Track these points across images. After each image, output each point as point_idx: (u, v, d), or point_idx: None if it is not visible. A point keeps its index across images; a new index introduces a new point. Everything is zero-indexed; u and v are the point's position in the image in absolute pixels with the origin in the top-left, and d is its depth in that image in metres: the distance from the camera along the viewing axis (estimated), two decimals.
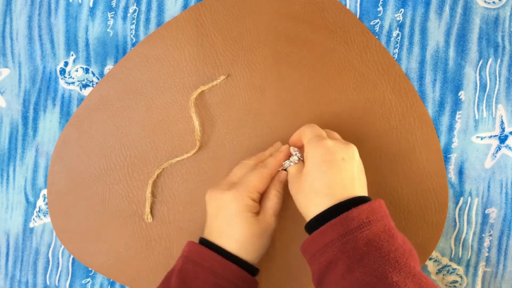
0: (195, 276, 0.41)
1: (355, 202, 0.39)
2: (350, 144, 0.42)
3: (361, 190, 0.41)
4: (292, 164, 0.45)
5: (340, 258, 0.37)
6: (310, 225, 0.40)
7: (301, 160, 0.45)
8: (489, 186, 0.52)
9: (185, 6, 0.53)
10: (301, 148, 0.46)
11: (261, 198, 0.45)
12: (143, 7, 0.53)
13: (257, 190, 0.43)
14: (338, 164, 0.40)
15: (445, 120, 0.52)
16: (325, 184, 0.39)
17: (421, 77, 0.52)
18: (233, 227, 0.42)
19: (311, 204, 0.40)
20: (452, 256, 0.52)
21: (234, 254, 0.42)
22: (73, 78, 0.54)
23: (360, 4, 0.52)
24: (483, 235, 0.52)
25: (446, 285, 0.53)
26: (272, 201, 0.44)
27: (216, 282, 0.40)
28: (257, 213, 0.44)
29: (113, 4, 0.53)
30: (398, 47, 0.52)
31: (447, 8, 0.52)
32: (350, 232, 0.37)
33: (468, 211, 0.52)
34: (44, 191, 0.54)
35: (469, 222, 0.52)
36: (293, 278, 0.51)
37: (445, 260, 0.52)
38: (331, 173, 0.40)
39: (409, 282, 0.34)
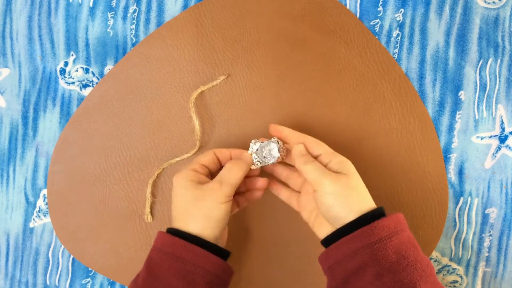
0: (160, 264, 0.40)
1: (378, 214, 0.40)
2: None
3: (371, 200, 0.42)
4: (278, 148, 0.44)
5: (370, 265, 0.37)
6: (335, 234, 0.41)
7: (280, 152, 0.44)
8: (489, 186, 0.52)
9: (185, 6, 0.53)
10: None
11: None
12: (143, 7, 0.53)
13: (198, 161, 0.44)
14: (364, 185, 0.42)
15: (445, 120, 0.52)
16: (363, 196, 0.41)
17: (421, 77, 0.52)
18: (174, 200, 0.43)
19: (344, 211, 0.40)
20: (452, 256, 0.52)
21: (196, 235, 0.41)
22: (73, 78, 0.54)
23: (360, 4, 0.52)
24: (483, 235, 0.52)
25: (446, 285, 0.53)
26: (222, 171, 0.43)
27: (181, 268, 0.40)
28: (202, 182, 0.43)
29: (113, 4, 0.53)
30: (398, 47, 0.52)
31: (447, 8, 0.52)
32: (381, 240, 0.38)
33: (468, 211, 0.52)
34: (44, 191, 0.54)
35: (469, 222, 0.52)
36: (293, 278, 0.51)
37: (445, 260, 0.52)
38: (365, 192, 0.42)
39: None
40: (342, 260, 0.39)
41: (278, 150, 0.44)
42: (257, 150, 0.45)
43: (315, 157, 0.43)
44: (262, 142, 0.45)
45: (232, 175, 0.43)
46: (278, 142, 0.45)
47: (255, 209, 0.51)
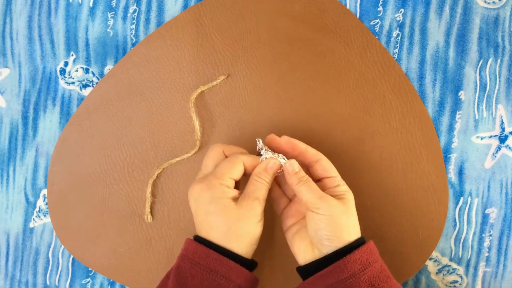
0: (192, 275, 0.40)
1: (357, 244, 0.40)
2: None
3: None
4: (284, 161, 0.43)
5: None
6: (307, 268, 0.41)
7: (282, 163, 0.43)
8: (489, 186, 0.52)
9: (185, 6, 0.53)
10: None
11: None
12: (143, 7, 0.53)
13: (229, 176, 0.42)
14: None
15: (445, 120, 0.52)
16: (353, 226, 0.41)
17: (421, 77, 0.52)
18: (211, 216, 0.41)
19: (333, 238, 0.40)
20: (452, 256, 0.52)
21: (228, 250, 0.40)
22: (73, 78, 0.54)
23: (360, 4, 0.52)
24: (483, 235, 0.52)
25: (446, 285, 0.53)
26: (253, 185, 0.42)
27: (214, 280, 0.39)
28: (236, 198, 0.42)
29: (113, 4, 0.53)
30: (398, 47, 0.52)
31: (447, 8, 0.52)
32: (353, 275, 0.38)
33: (468, 211, 0.52)
34: (44, 191, 0.54)
35: (469, 222, 0.52)
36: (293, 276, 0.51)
37: (445, 260, 0.52)
38: (356, 216, 0.42)
39: None
40: None
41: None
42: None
43: (323, 178, 0.43)
44: (273, 153, 0.43)
45: (265, 189, 0.42)
46: (284, 159, 0.43)
47: None
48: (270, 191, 0.44)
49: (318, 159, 0.43)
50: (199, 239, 0.42)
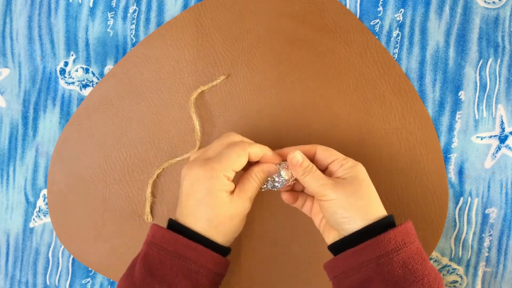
0: (160, 261, 0.39)
1: (387, 223, 0.39)
2: None
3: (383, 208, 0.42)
4: (283, 180, 0.44)
5: (375, 279, 0.37)
6: (342, 242, 0.40)
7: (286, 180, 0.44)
8: (489, 186, 0.52)
9: (185, 6, 0.53)
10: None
11: (240, 178, 0.43)
12: (143, 7, 0.53)
13: (233, 168, 0.41)
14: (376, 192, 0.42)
15: (445, 120, 0.52)
16: (371, 203, 0.40)
17: (421, 77, 0.52)
18: (205, 207, 0.40)
19: (349, 219, 0.39)
20: (452, 256, 0.52)
21: (202, 235, 0.40)
22: (73, 78, 0.54)
23: (360, 4, 0.52)
24: (483, 235, 0.52)
25: (446, 285, 0.53)
26: (251, 184, 0.42)
27: (183, 266, 0.39)
28: (231, 192, 0.41)
29: (113, 4, 0.53)
30: (398, 47, 0.52)
31: (447, 8, 0.52)
32: (386, 254, 0.37)
33: (468, 211, 0.52)
34: (44, 191, 0.54)
35: (469, 222, 0.52)
36: (294, 277, 0.51)
37: (445, 260, 0.52)
38: (377, 200, 0.41)
39: None
40: (347, 272, 0.39)
41: (285, 174, 0.44)
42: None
43: (328, 164, 0.43)
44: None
45: (256, 189, 0.43)
46: (286, 166, 0.44)
47: (256, 209, 0.51)
48: (294, 204, 0.46)
49: (314, 150, 0.43)
50: (173, 223, 0.41)
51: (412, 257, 0.38)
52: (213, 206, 0.40)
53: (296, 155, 0.42)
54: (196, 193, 0.40)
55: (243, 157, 0.41)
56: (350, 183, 0.40)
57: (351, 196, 0.40)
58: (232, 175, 0.41)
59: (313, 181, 0.41)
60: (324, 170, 0.43)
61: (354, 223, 0.39)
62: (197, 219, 0.40)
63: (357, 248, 0.38)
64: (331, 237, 0.42)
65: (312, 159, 0.44)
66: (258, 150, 0.42)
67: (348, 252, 0.39)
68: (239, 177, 0.43)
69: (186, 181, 0.41)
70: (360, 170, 0.42)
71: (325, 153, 0.43)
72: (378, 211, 0.40)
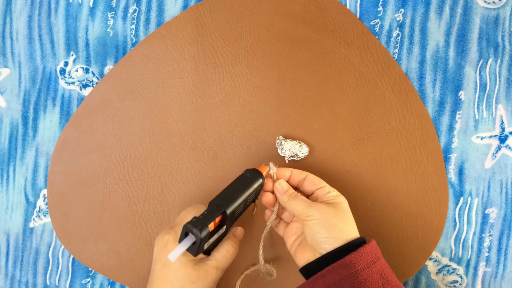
0: None
1: (358, 243, 0.41)
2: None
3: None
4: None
5: None
6: (314, 264, 0.42)
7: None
8: (489, 186, 0.52)
9: (185, 6, 0.53)
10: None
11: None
12: (143, 7, 0.53)
13: None
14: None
15: (445, 120, 0.52)
16: (349, 226, 0.42)
17: (421, 77, 0.52)
18: (168, 269, 0.41)
19: (330, 240, 0.41)
20: (452, 256, 0.52)
21: None
22: (73, 78, 0.54)
23: (360, 4, 0.52)
24: (483, 235, 0.52)
25: (446, 285, 0.53)
26: (220, 253, 0.43)
27: None
28: (198, 258, 0.43)
29: (113, 4, 0.53)
30: (398, 47, 0.52)
31: (447, 8, 0.52)
32: (366, 267, 0.39)
33: (468, 211, 0.52)
34: (44, 191, 0.54)
35: (469, 222, 0.52)
36: (293, 277, 0.51)
37: (445, 260, 0.52)
38: (352, 224, 0.43)
39: None
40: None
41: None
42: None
43: (315, 190, 0.44)
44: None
45: (229, 260, 0.43)
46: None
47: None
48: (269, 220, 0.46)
49: (304, 176, 0.45)
50: None
51: (385, 268, 0.40)
52: (175, 268, 0.41)
53: (281, 183, 0.44)
54: (162, 257, 0.42)
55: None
56: (334, 207, 0.42)
57: (335, 219, 0.41)
58: None
59: (298, 204, 0.42)
60: (309, 196, 0.45)
61: (333, 243, 0.40)
62: (161, 284, 0.42)
63: (329, 268, 0.39)
64: (304, 259, 0.43)
65: (301, 184, 0.45)
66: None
67: (320, 274, 0.40)
68: None
69: (155, 248, 0.44)
70: (344, 200, 0.44)
71: (315, 180, 0.45)
72: (353, 234, 0.42)
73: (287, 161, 0.50)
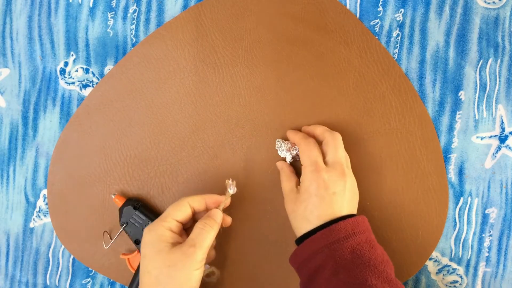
0: None
1: (342, 218, 0.44)
2: (344, 176, 0.45)
3: (349, 210, 0.45)
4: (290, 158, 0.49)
5: (328, 263, 0.41)
6: (299, 240, 0.45)
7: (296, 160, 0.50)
8: (489, 186, 0.52)
9: (185, 6, 0.53)
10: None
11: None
12: (143, 7, 0.53)
13: (173, 217, 0.43)
14: (330, 198, 0.44)
15: (445, 120, 0.52)
16: (316, 215, 0.44)
17: (421, 77, 0.52)
18: (146, 260, 0.41)
19: (301, 227, 0.44)
20: (452, 256, 0.52)
21: None
22: (73, 78, 0.54)
23: (360, 4, 0.52)
24: (483, 235, 0.52)
25: (446, 285, 0.53)
26: (194, 233, 0.42)
27: None
28: (175, 243, 0.42)
29: (113, 4, 0.53)
30: (398, 47, 0.52)
31: (447, 8, 0.52)
32: (337, 241, 0.41)
33: (468, 211, 0.52)
34: (44, 191, 0.54)
35: (469, 222, 0.52)
36: (293, 277, 0.51)
37: (445, 260, 0.52)
38: (322, 207, 0.44)
39: (386, 285, 0.39)
40: (306, 259, 0.43)
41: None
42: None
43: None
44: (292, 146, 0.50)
45: (205, 236, 0.42)
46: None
47: (254, 209, 0.51)
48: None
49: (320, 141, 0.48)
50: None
51: (360, 244, 0.42)
52: (150, 257, 0.41)
53: (279, 164, 0.50)
54: (142, 249, 0.42)
55: (182, 207, 0.44)
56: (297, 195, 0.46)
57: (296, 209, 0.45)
58: (174, 225, 0.43)
59: (283, 187, 0.48)
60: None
61: (324, 218, 0.44)
62: (142, 275, 0.41)
63: (312, 237, 0.42)
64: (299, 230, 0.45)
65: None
66: (198, 199, 0.45)
67: (305, 242, 0.43)
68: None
69: (142, 244, 0.43)
70: (306, 182, 0.46)
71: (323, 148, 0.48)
72: (342, 211, 0.44)
73: (288, 163, 0.50)
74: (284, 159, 0.51)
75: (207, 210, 0.46)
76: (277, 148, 0.50)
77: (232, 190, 0.46)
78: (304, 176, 0.45)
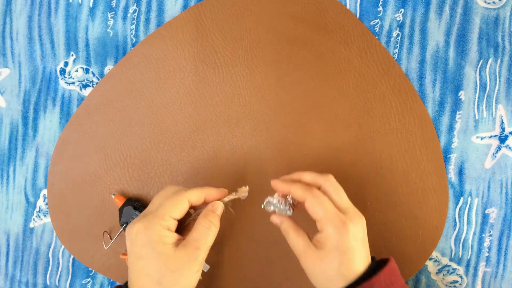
0: None
1: (374, 266, 0.40)
2: (362, 218, 0.41)
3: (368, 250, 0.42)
4: (280, 206, 0.43)
5: None
6: None
7: (289, 207, 0.43)
8: (489, 186, 0.52)
9: (185, 6, 0.53)
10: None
11: (188, 228, 0.42)
12: (143, 7, 0.53)
13: (171, 215, 0.39)
14: (359, 247, 0.40)
15: (445, 120, 0.52)
16: (352, 270, 0.39)
17: (421, 77, 0.52)
18: (142, 261, 0.38)
19: (335, 285, 0.39)
20: (452, 256, 0.52)
21: None
22: (73, 78, 0.54)
23: (360, 4, 0.52)
24: (483, 235, 0.52)
25: (446, 285, 0.53)
26: (197, 232, 0.39)
27: None
28: (176, 243, 0.39)
29: (113, 4, 0.53)
30: (398, 47, 0.52)
31: (447, 8, 0.52)
32: None
33: (468, 211, 0.52)
34: (44, 191, 0.54)
35: (469, 222, 0.52)
36: (293, 277, 0.51)
37: (445, 260, 0.52)
38: (356, 259, 0.40)
39: None
40: None
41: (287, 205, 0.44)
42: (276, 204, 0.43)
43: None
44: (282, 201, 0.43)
45: (208, 236, 0.39)
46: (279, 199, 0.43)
47: (254, 209, 0.51)
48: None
49: (303, 200, 0.41)
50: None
51: None
52: (151, 259, 0.37)
53: (274, 219, 0.43)
54: (134, 250, 0.38)
55: (182, 204, 0.40)
56: (322, 252, 0.40)
57: (326, 267, 0.40)
58: (172, 224, 0.39)
59: (295, 245, 0.41)
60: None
61: (340, 282, 0.39)
62: (138, 277, 0.38)
63: None
64: None
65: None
66: (198, 193, 0.41)
67: None
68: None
69: (127, 240, 0.39)
70: (335, 238, 0.40)
71: (309, 209, 0.41)
72: (358, 265, 0.40)
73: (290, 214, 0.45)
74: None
75: (204, 204, 0.42)
76: (270, 210, 0.43)
77: (241, 194, 0.43)
78: (327, 232, 0.40)
